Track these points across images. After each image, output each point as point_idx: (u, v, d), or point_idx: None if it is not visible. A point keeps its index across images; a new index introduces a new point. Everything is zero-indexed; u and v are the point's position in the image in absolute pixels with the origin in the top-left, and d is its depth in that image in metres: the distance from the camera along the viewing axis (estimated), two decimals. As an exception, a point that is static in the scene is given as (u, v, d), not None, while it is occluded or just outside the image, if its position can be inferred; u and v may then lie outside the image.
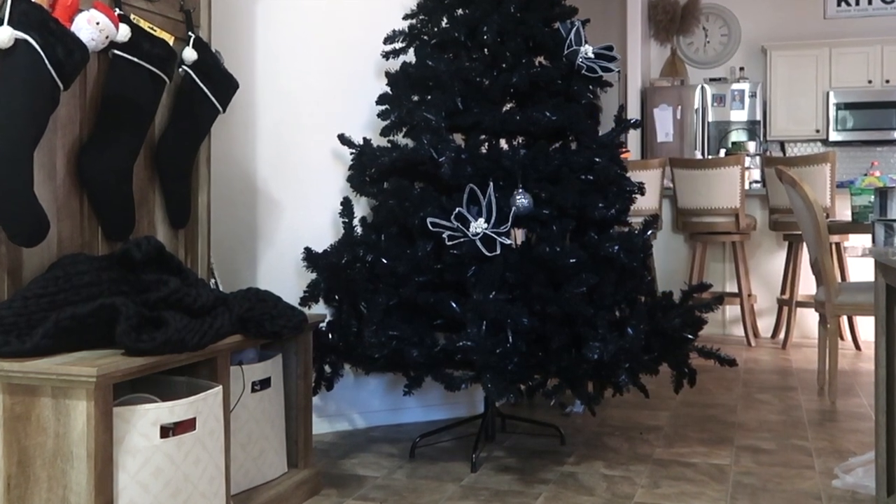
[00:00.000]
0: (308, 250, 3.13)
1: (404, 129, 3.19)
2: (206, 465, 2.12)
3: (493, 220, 2.81)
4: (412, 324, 2.89)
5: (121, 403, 2.00)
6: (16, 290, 2.07)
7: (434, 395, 3.65)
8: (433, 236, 2.87)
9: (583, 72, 3.12)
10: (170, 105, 2.59)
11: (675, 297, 3.13)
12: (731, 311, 6.18)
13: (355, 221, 3.22)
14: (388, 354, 2.86)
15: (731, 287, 6.14)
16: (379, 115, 3.23)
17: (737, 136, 8.52)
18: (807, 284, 5.61)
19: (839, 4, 8.82)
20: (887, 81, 8.39)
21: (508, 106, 3.19)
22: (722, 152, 7.82)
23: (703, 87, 8.69)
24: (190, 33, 2.60)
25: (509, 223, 2.85)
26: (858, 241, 5.86)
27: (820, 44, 8.54)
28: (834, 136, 8.47)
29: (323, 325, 2.98)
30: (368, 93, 3.41)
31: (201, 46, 2.62)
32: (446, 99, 3.04)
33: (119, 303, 2.02)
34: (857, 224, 4.72)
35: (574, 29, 3.13)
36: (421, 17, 3.27)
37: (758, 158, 7.59)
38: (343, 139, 3.26)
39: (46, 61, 2.01)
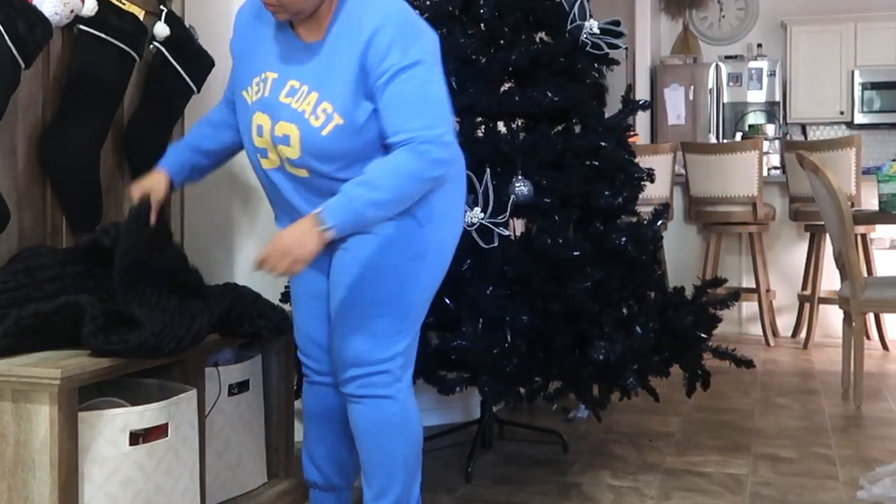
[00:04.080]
0: (290, 242, 3.12)
1: (394, 111, 3.18)
2: (180, 474, 2.13)
3: (490, 210, 2.82)
4: (403, 322, 2.89)
5: (87, 408, 2.00)
6: (-27, 286, 2.07)
7: (426, 399, 3.65)
8: (425, 227, 2.88)
9: (587, 49, 3.13)
10: (140, 85, 2.59)
11: (687, 293, 3.14)
12: (748, 308, 6.19)
13: (341, 211, 3.22)
14: (376, 355, 2.86)
15: (748, 282, 6.14)
16: (367, 96, 3.22)
17: (754, 118, 8.53)
18: (830, 279, 5.63)
19: (866, -25, 8.84)
20: (917, 59, 8.41)
21: (507, 86, 3.19)
22: (738, 136, 7.83)
23: (717, 66, 8.70)
24: (162, 7, 2.60)
25: (508, 213, 2.85)
26: (886, 233, 5.88)
27: (845, 18, 8.54)
28: (860, 118, 8.48)
29: (306, 323, 2.98)
30: (355, 71, 3.40)
31: (174, 21, 2.62)
32: (440, 78, 3.04)
33: (84, 301, 2.02)
34: (885, 214, 4.73)
35: (578, 2, 3.13)
36: (412, -11, 3.27)
37: (777, 143, 7.60)
38: (328, 122, 3.26)
39: (6, 37, 2.01)
